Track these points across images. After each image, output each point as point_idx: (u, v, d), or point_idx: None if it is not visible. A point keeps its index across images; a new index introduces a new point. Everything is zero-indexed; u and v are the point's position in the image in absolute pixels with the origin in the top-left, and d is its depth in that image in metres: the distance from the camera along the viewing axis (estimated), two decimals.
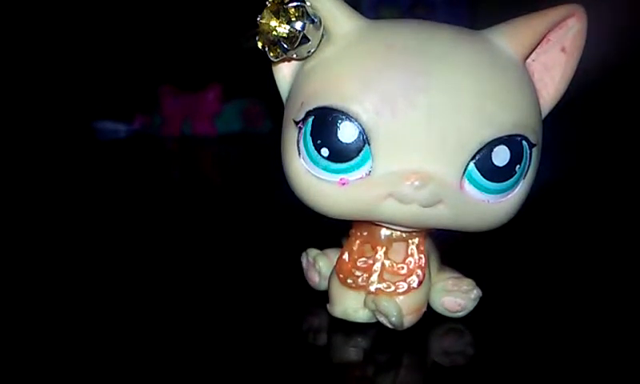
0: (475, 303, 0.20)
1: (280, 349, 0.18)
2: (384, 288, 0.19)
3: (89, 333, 0.19)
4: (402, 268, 0.19)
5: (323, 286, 0.21)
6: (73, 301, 0.22)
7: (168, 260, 0.26)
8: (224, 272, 0.25)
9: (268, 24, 0.17)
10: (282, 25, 0.17)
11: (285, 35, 0.17)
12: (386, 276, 0.19)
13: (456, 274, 0.20)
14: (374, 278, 0.19)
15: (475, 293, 0.20)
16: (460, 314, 0.20)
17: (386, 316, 0.19)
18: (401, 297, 0.19)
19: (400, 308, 0.18)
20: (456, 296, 0.20)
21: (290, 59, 0.18)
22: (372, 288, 0.19)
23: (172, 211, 0.36)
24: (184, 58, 0.69)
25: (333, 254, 0.21)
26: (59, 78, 0.67)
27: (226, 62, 0.60)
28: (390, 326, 0.19)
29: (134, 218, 0.34)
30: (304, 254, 0.22)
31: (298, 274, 0.22)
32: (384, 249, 0.19)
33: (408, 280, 0.19)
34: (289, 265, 0.23)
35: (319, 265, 0.21)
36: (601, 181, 0.40)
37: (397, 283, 0.19)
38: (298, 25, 0.17)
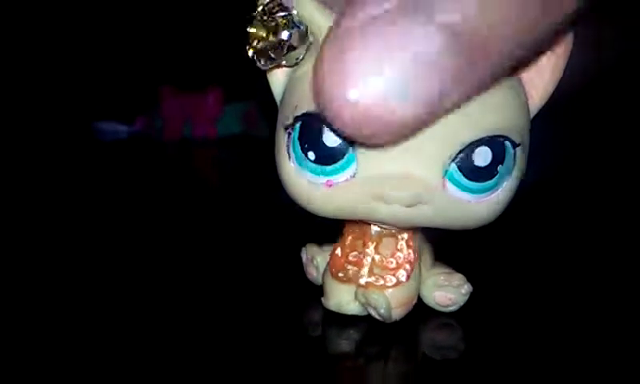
0: (466, 298, 0.20)
1: (278, 342, 0.19)
2: (373, 281, 0.19)
3: (88, 334, 0.19)
4: (391, 262, 0.19)
5: (320, 280, 0.21)
6: (72, 302, 0.22)
7: (168, 261, 0.27)
8: (223, 273, 0.25)
9: (256, 33, 0.18)
10: (269, 34, 0.18)
11: (272, 44, 0.18)
12: (375, 270, 0.19)
13: (447, 270, 0.21)
14: (364, 271, 0.20)
15: (466, 288, 0.20)
16: (451, 309, 0.20)
17: (375, 308, 0.19)
18: (390, 290, 0.19)
19: (389, 301, 0.19)
20: (447, 291, 0.20)
21: (280, 66, 0.18)
22: (362, 281, 0.20)
23: (173, 213, 0.36)
24: (185, 59, 0.69)
25: (330, 250, 0.21)
26: (59, 79, 0.67)
27: (226, 64, 0.61)
28: (379, 318, 0.19)
29: (134, 219, 0.34)
30: (304, 250, 0.22)
31: (296, 275, 0.23)
32: (374, 244, 0.20)
33: (397, 274, 0.19)
34: (288, 265, 0.23)
35: (317, 260, 0.22)
36: (591, 179, 0.40)
37: (386, 277, 0.19)
38: (285, 34, 0.17)
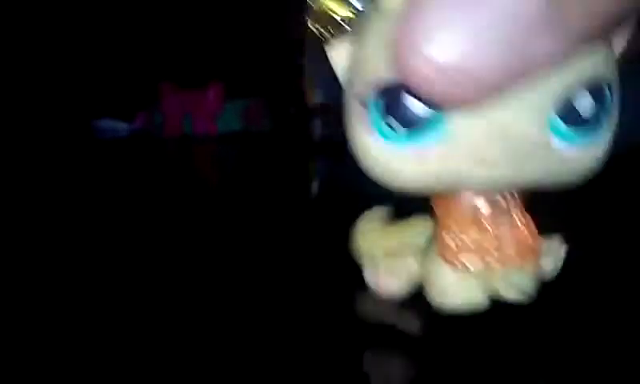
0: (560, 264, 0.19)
1: (280, 345, 0.18)
2: (505, 261, 0.18)
3: (87, 334, 0.19)
4: (517, 239, 0.18)
5: (404, 288, 0.19)
6: (72, 302, 0.22)
7: (168, 259, 0.26)
8: (224, 272, 0.25)
9: (327, 6, 0.17)
10: (342, 6, 0.17)
11: (344, 15, 0.17)
12: (503, 249, 0.18)
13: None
14: (490, 253, 0.18)
15: (563, 250, 0.19)
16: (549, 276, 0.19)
17: (519, 289, 0.18)
18: (524, 267, 0.18)
19: (531, 278, 0.18)
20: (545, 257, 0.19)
21: (345, 39, 0.17)
22: (491, 265, 0.18)
23: (173, 210, 0.36)
24: (185, 56, 0.69)
25: (400, 252, 0.19)
26: (58, 77, 0.67)
27: (227, 61, 0.60)
28: (518, 300, 0.18)
29: (135, 217, 0.34)
30: (367, 268, 0.20)
31: (295, 271, 0.22)
32: (491, 222, 0.18)
33: (527, 249, 0.18)
34: (288, 263, 0.23)
35: (399, 267, 0.19)
36: None
37: (516, 254, 0.18)
38: (358, 4, 0.16)
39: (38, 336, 0.19)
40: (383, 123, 0.16)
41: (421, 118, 0.16)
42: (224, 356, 0.18)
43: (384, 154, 0.17)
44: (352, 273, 0.20)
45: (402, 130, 0.16)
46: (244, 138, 0.61)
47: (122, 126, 0.62)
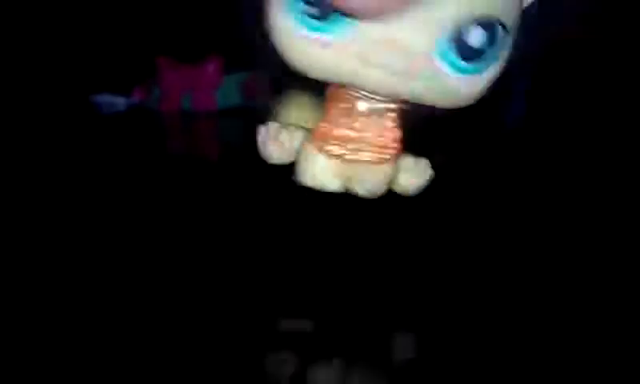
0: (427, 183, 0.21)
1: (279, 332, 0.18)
2: (360, 157, 0.19)
3: (87, 318, 0.19)
4: (379, 140, 0.20)
5: (283, 159, 0.21)
6: (71, 281, 0.22)
7: (168, 237, 0.26)
8: (224, 250, 0.25)
9: None
10: None
11: None
12: (363, 146, 0.20)
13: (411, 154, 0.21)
14: (351, 147, 0.20)
15: (430, 173, 0.21)
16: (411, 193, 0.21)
17: (362, 183, 0.20)
18: (378, 166, 0.20)
19: (375, 177, 0.20)
20: (413, 174, 0.21)
21: None
22: (349, 157, 0.20)
23: (172, 188, 0.35)
24: (183, 28, 0.68)
25: (294, 128, 0.21)
26: (55, 51, 0.66)
27: (226, 32, 0.60)
28: (362, 193, 0.20)
29: (133, 194, 0.34)
30: (262, 128, 0.22)
31: (298, 250, 0.22)
32: (362, 120, 0.19)
33: (384, 152, 0.20)
34: (291, 240, 0.23)
35: (283, 137, 0.21)
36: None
37: (373, 154, 0.20)
38: None
39: (36, 315, 0.19)
40: (300, 4, 0.17)
41: (332, 8, 0.17)
42: (226, 334, 0.18)
43: (294, 35, 0.18)
44: (349, 242, 0.20)
45: (312, 13, 0.17)
46: (244, 112, 0.61)
47: (119, 101, 0.62)
